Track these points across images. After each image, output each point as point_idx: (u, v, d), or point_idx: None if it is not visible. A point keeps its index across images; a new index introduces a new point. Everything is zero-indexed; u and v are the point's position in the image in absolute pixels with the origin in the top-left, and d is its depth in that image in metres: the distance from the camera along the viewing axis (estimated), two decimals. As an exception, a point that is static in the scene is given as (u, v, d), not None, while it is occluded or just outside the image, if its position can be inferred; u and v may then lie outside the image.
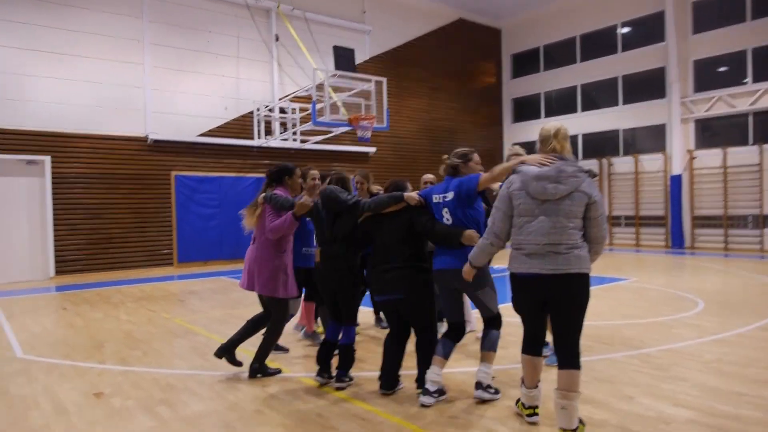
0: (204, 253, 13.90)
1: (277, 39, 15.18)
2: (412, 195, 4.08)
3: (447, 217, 3.91)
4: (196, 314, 7.57)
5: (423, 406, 3.80)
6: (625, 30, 18.10)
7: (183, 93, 13.90)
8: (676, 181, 16.67)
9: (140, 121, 13.30)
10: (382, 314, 5.95)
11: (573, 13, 19.28)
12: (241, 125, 14.80)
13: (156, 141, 13.39)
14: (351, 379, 4.39)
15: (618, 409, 3.70)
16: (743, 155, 15.54)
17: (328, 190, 4.36)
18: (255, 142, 14.64)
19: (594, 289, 9.38)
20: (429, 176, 5.97)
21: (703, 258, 14.04)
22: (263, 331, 4.73)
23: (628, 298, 8.21)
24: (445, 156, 4.11)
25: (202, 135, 14.13)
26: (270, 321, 4.68)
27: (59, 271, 12.12)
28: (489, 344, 3.92)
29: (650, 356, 5.02)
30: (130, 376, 4.68)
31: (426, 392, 3.84)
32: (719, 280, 9.86)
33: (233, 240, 13.82)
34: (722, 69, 16.05)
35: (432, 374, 3.86)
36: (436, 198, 4.01)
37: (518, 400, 3.62)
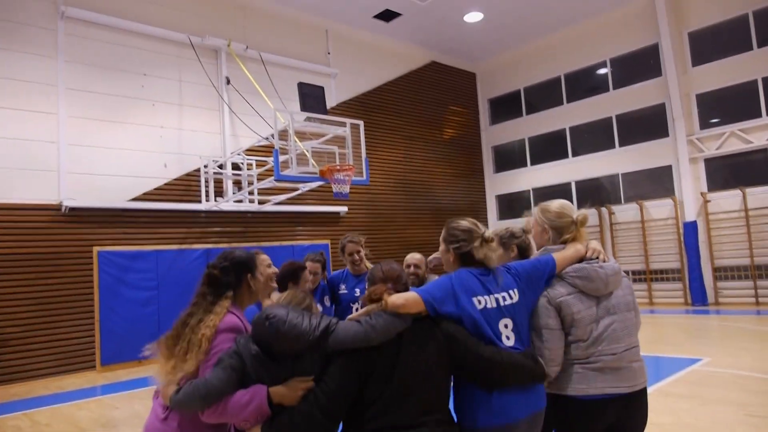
0: (138, 350, 10.71)
1: (228, 82, 12.75)
2: (408, 297, 2.21)
3: (507, 334, 2.31)
4: (97, 485, 4.63)
5: None
6: (617, 66, 16.58)
7: (109, 149, 11.16)
8: (691, 228, 14.72)
9: (52, 185, 10.42)
10: None
11: (554, 52, 17.74)
12: (185, 186, 12.07)
13: (73, 209, 10.50)
14: None
15: None
16: (766, 195, 13.77)
17: (273, 318, 2.13)
18: (203, 206, 11.89)
19: (670, 383, 6.35)
20: (415, 256, 3.84)
21: (737, 317, 11.87)
22: None
23: (753, 402, 5.72)
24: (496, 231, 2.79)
25: (134, 199, 11.31)
26: None
27: (-70, 392, 8.84)
28: None
29: None
30: None
31: None
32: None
33: (176, 331, 10.73)
34: (731, 102, 14.50)
35: None
36: (480, 302, 2.31)
37: None
